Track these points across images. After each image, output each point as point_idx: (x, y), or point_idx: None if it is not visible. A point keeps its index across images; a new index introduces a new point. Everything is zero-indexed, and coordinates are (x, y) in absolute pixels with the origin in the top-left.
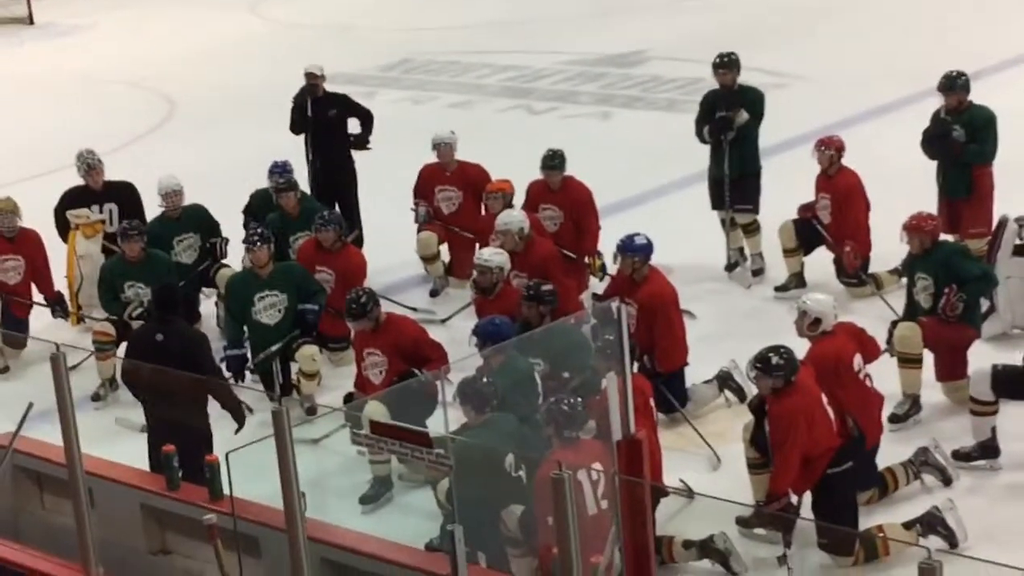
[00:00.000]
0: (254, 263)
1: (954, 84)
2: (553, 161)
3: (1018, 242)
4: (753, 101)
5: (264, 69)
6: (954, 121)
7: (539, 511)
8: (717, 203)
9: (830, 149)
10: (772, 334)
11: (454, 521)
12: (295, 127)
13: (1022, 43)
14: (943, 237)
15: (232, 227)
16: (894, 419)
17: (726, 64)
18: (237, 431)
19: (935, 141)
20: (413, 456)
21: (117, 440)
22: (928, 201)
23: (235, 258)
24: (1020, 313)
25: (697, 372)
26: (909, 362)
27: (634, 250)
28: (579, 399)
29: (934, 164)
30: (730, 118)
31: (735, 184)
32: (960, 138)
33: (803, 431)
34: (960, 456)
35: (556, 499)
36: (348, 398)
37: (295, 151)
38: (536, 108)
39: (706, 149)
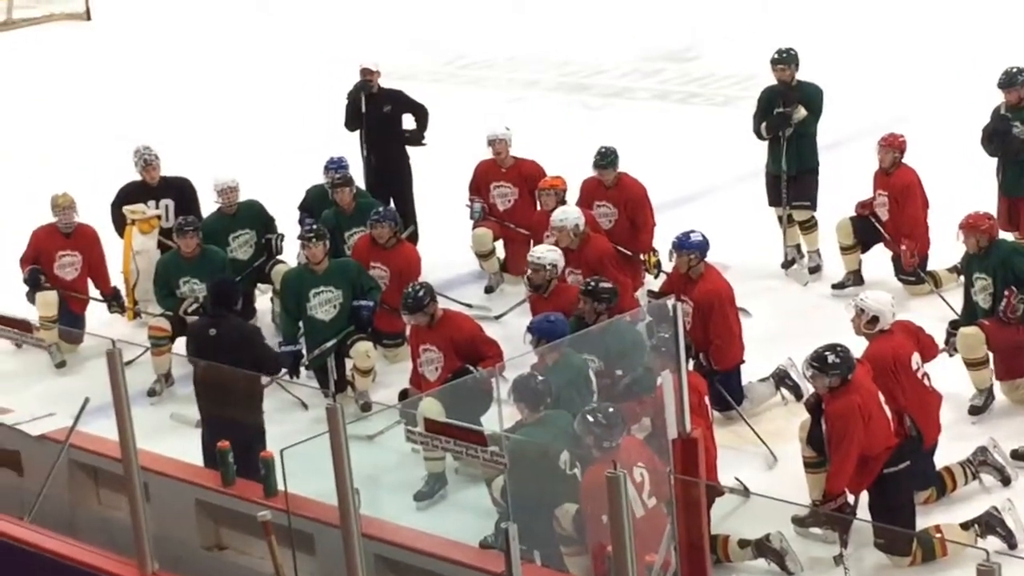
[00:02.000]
0: (310, 259)
1: (1014, 80)
2: (605, 159)
3: None
4: (811, 97)
5: (319, 64)
6: (1015, 118)
7: (588, 515)
8: (774, 200)
9: (894, 148)
10: (829, 332)
11: (508, 519)
12: (350, 123)
13: None
14: (1004, 235)
15: (288, 223)
16: (974, 411)
17: (785, 60)
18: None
19: (995, 138)
20: (468, 454)
21: (172, 435)
22: (987, 199)
23: (290, 254)
24: None
25: (753, 370)
26: (975, 365)
27: (690, 247)
28: (614, 408)
29: (994, 161)
30: (788, 114)
31: (793, 181)
32: (1021, 135)
33: (860, 430)
34: (1019, 456)
35: (611, 499)
36: (403, 395)
37: (349, 148)
38: (592, 104)
39: (762, 145)
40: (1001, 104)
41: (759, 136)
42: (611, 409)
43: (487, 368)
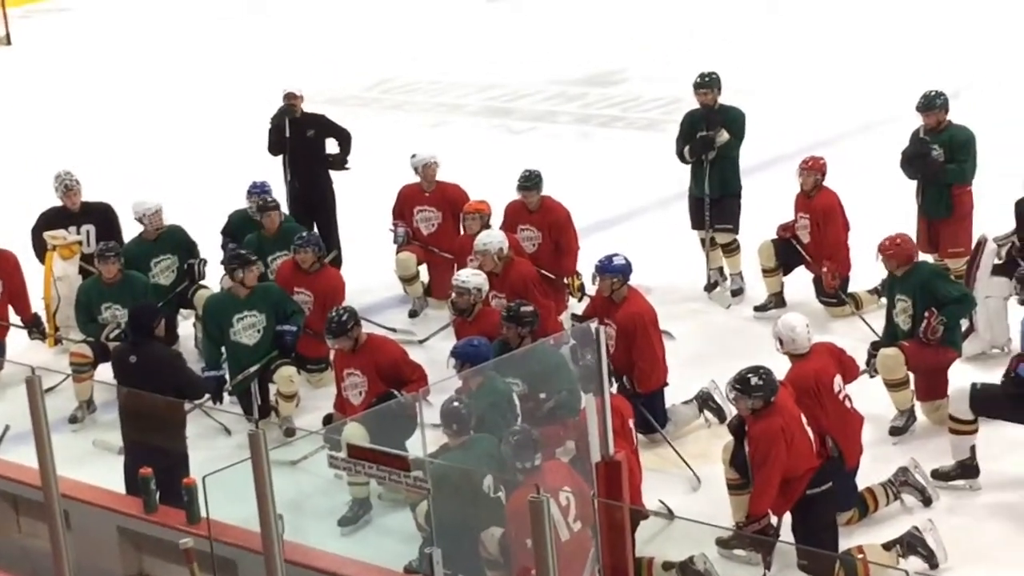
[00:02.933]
0: (245, 283)
1: (933, 104)
2: (529, 182)
3: (997, 262)
4: (734, 121)
5: (241, 89)
6: (933, 140)
7: (512, 537)
8: (697, 223)
9: (815, 171)
10: (752, 354)
11: (432, 543)
12: (273, 148)
13: (999, 63)
14: (923, 257)
15: (210, 248)
16: (895, 432)
17: (707, 83)
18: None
19: (914, 161)
20: (391, 479)
21: (94, 462)
22: (907, 221)
23: (213, 279)
24: (999, 332)
25: (677, 393)
26: (896, 385)
27: (612, 271)
28: (534, 430)
29: (914, 183)
30: (710, 138)
31: (715, 204)
32: (939, 158)
33: (783, 452)
34: (940, 476)
35: (534, 523)
36: (327, 419)
37: (271, 172)
38: (515, 128)
39: (685, 168)
40: (920, 127)
41: (682, 159)
42: (527, 430)
43: (411, 392)
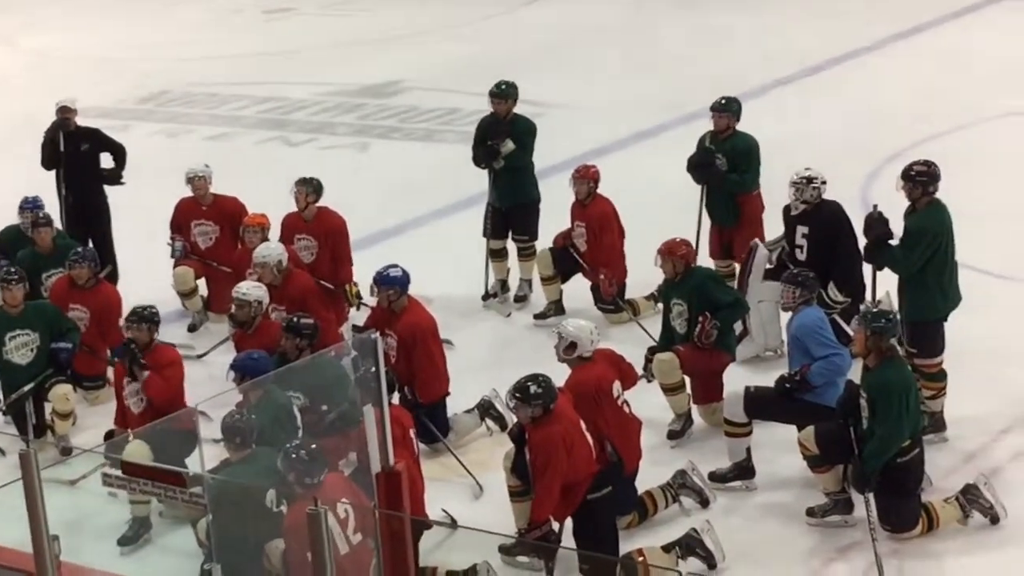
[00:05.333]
0: (8, 302)
1: (728, 106)
2: (309, 186)
3: (769, 267)
4: (522, 132)
5: (17, 102)
6: (717, 149)
7: (292, 554)
8: (486, 231)
9: (587, 179)
10: (532, 362)
11: (213, 559)
12: (47, 162)
13: (772, 70)
14: (713, 264)
15: None
16: (672, 435)
17: (502, 93)
18: None
19: (699, 169)
20: (167, 496)
21: None
22: (685, 228)
23: None
24: (772, 335)
25: (458, 402)
26: (672, 390)
27: (389, 282)
28: (317, 445)
29: (689, 191)
30: (494, 148)
31: (510, 213)
32: (722, 167)
33: (563, 459)
34: (717, 478)
35: (312, 536)
36: (109, 435)
37: (44, 187)
38: (293, 140)
39: (464, 178)
40: (706, 134)
41: (477, 165)
42: (313, 446)
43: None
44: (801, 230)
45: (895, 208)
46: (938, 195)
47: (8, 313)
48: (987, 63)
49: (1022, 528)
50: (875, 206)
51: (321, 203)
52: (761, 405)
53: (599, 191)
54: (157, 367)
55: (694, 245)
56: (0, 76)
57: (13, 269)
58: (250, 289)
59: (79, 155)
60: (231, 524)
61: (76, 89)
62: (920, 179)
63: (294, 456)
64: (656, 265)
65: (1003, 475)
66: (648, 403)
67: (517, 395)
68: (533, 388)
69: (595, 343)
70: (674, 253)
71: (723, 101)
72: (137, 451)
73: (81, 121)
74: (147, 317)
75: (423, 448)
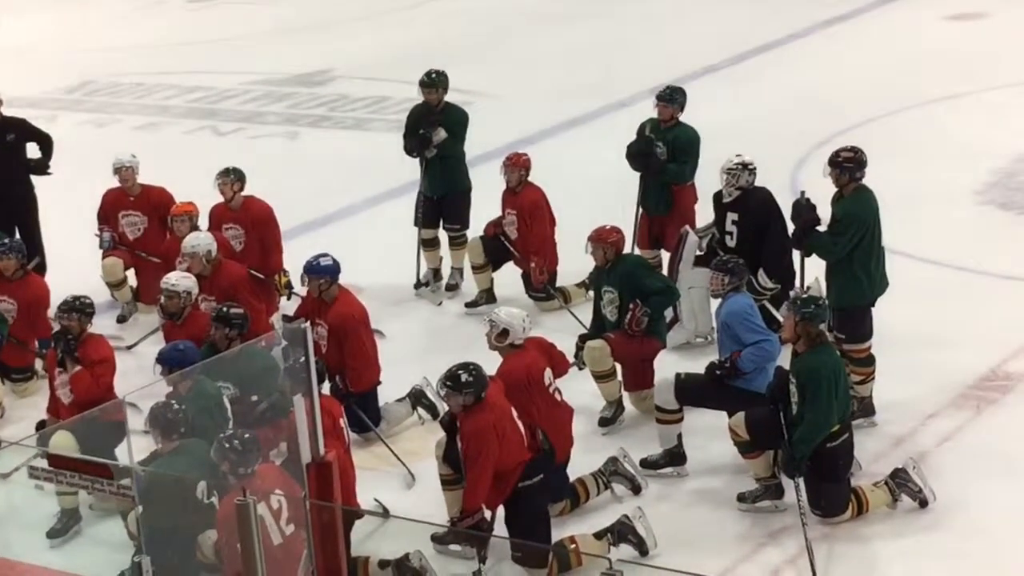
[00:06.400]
0: None
1: (674, 97)
2: (231, 175)
3: (699, 253)
4: (454, 121)
5: None
6: (658, 138)
7: (224, 542)
8: (417, 219)
9: (519, 167)
10: (463, 351)
11: (143, 551)
12: None
13: (700, 57)
14: (629, 251)
15: None
16: (604, 423)
17: (432, 82)
18: None
19: (638, 158)
20: (94, 488)
21: None
22: (615, 215)
23: None
24: (703, 322)
25: (390, 391)
26: (603, 377)
27: (319, 272)
28: (250, 434)
29: (620, 179)
30: (427, 136)
31: (442, 202)
32: (662, 156)
33: (494, 447)
34: (648, 464)
35: (241, 527)
36: (41, 425)
37: None
38: (222, 129)
39: (394, 167)
40: (647, 123)
41: (408, 154)
42: (247, 435)
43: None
44: (731, 217)
45: (823, 194)
46: (865, 181)
47: None
48: (914, 49)
49: (950, 511)
50: (803, 192)
51: (251, 192)
52: (692, 392)
53: (530, 179)
54: (89, 362)
55: (630, 234)
56: None
57: None
58: (179, 280)
59: (5, 145)
60: (161, 516)
61: (0, 78)
62: (847, 165)
63: (227, 445)
64: (587, 252)
65: (931, 459)
66: (579, 391)
67: (448, 383)
68: (464, 376)
69: (527, 331)
70: (604, 240)
71: (668, 92)
72: (63, 442)
73: (6, 111)
74: (78, 307)
75: (355, 437)
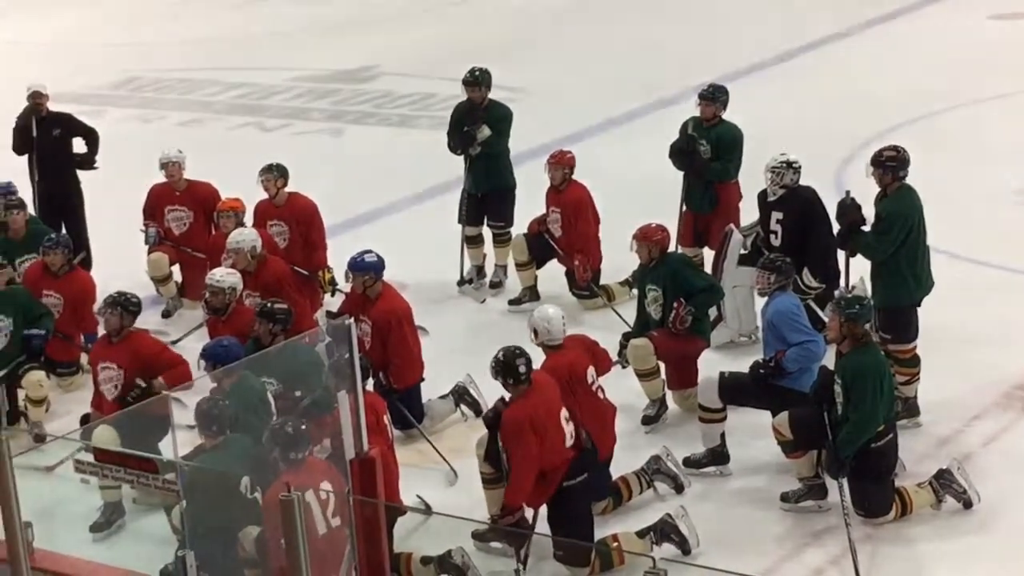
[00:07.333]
0: None
1: (716, 95)
2: (273, 171)
3: (743, 252)
4: (498, 118)
5: None
6: (701, 136)
7: (270, 533)
8: (461, 216)
9: (563, 165)
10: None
11: (186, 546)
12: (19, 148)
13: (746, 55)
14: (673, 249)
15: None
16: (647, 421)
17: (476, 80)
18: None
19: (681, 156)
20: (139, 482)
21: None
22: (660, 213)
23: None
24: (747, 321)
25: (433, 388)
26: (647, 375)
27: (364, 268)
28: (303, 420)
29: (664, 177)
30: (471, 134)
31: (486, 200)
32: (706, 154)
33: (531, 441)
34: (691, 463)
35: (285, 521)
36: (85, 419)
37: (17, 173)
38: (268, 125)
39: (438, 164)
40: (689, 121)
41: (452, 151)
42: (299, 421)
43: (168, 379)
44: (776, 216)
45: (868, 194)
46: (912, 180)
47: None
48: (962, 48)
49: (994, 513)
50: (848, 192)
51: (295, 189)
52: (736, 391)
53: (574, 177)
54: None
55: (674, 232)
56: None
57: None
58: (224, 275)
59: (51, 140)
60: (205, 511)
61: (48, 74)
62: (890, 164)
63: (280, 429)
64: (631, 250)
65: (976, 460)
66: (623, 389)
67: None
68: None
69: (565, 330)
70: (649, 238)
71: (711, 90)
72: (105, 436)
73: (53, 106)
74: (122, 302)
75: (398, 434)
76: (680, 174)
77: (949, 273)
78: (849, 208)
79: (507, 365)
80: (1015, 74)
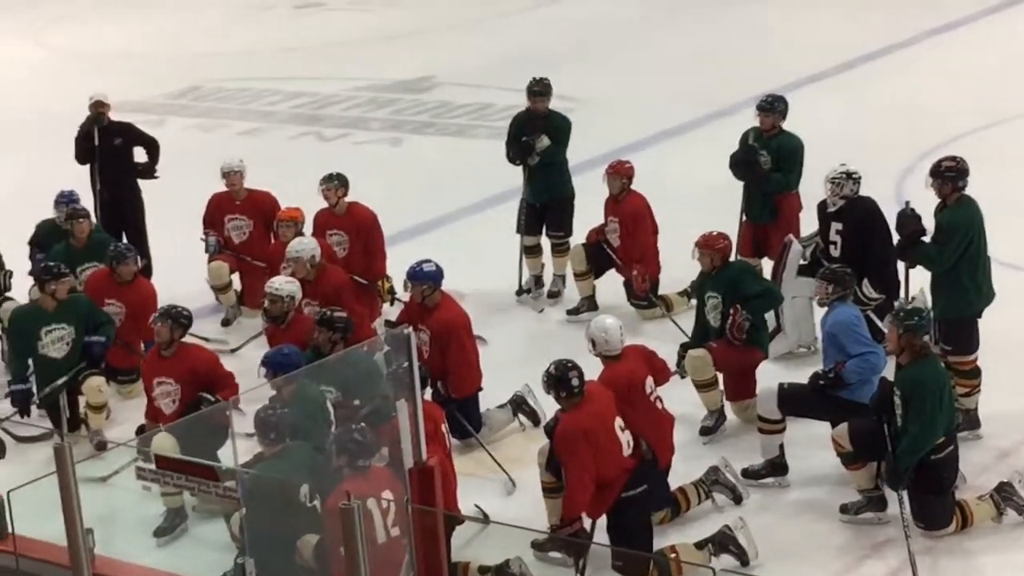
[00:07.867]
0: (55, 296)
1: (774, 106)
2: (332, 180)
3: (803, 262)
4: (557, 128)
5: (48, 98)
6: (761, 146)
7: (331, 541)
8: (520, 226)
9: (621, 175)
10: (564, 358)
11: (246, 553)
12: (81, 157)
13: (805, 65)
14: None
15: (15, 259)
16: (705, 432)
17: (543, 90)
18: None
19: (741, 166)
20: (200, 490)
21: None
22: (718, 224)
23: (19, 291)
24: (805, 332)
25: (491, 397)
26: (705, 386)
27: (422, 277)
28: (368, 428)
29: (723, 187)
30: (529, 144)
31: (545, 209)
32: (766, 165)
33: (584, 451)
34: (750, 474)
35: (345, 529)
36: (140, 430)
37: (79, 182)
38: (327, 135)
39: (494, 174)
40: (750, 131)
41: (511, 161)
42: (365, 429)
43: (224, 397)
44: (835, 226)
45: (928, 205)
46: (973, 191)
47: (44, 307)
48: (1023, 57)
49: None
50: (908, 203)
51: (354, 198)
52: (795, 402)
53: (632, 187)
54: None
55: (734, 242)
56: (33, 71)
57: (54, 265)
58: (283, 284)
59: (113, 150)
60: (264, 518)
61: (110, 84)
62: (949, 175)
63: (347, 437)
64: (693, 258)
65: None
66: (681, 399)
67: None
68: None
69: (623, 340)
70: (712, 246)
71: (770, 100)
72: (163, 444)
73: (115, 116)
74: (173, 315)
75: (456, 443)
76: (739, 184)
77: (1011, 284)
78: (909, 219)
79: (559, 379)
80: None
